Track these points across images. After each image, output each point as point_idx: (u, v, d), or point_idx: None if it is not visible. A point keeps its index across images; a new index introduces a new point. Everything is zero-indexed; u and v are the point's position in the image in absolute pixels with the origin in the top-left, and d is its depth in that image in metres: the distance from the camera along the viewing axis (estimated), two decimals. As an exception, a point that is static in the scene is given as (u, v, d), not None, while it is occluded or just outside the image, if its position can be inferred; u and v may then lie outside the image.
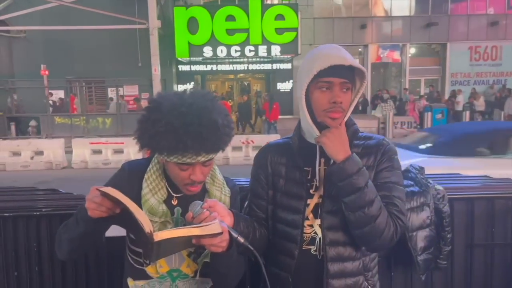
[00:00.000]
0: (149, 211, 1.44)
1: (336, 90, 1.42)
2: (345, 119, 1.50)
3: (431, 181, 2.03)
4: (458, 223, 2.19)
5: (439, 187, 2.02)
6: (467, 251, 2.23)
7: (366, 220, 1.37)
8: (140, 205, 1.41)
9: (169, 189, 1.50)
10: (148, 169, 1.50)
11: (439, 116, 16.44)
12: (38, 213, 2.14)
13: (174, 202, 1.50)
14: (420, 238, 1.92)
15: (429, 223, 1.94)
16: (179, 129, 1.31)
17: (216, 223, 1.26)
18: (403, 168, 2.06)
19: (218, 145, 1.37)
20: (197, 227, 1.26)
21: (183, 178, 1.41)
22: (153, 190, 1.46)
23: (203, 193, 1.53)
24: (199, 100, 1.38)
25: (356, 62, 1.44)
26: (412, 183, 2.06)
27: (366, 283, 1.52)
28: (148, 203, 1.45)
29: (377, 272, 1.60)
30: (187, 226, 1.29)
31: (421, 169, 2.11)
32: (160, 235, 1.20)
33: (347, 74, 1.44)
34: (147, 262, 1.47)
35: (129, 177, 1.51)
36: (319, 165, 1.51)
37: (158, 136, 1.33)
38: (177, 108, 1.34)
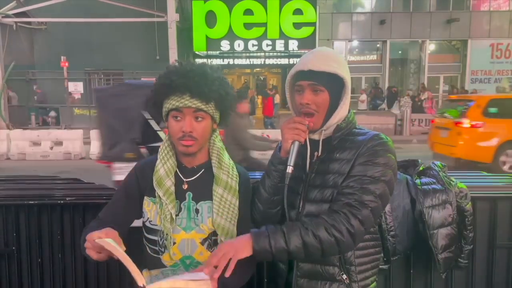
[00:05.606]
0: (157, 182, 1.51)
1: (305, 93, 1.50)
2: (336, 119, 1.52)
3: (453, 179, 2.01)
4: (481, 222, 2.16)
5: (462, 185, 1.99)
6: (489, 252, 2.21)
7: (312, 255, 1.39)
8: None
9: (179, 174, 1.55)
10: (161, 145, 1.59)
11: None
12: (62, 202, 2.19)
13: (185, 187, 1.54)
14: (441, 236, 1.90)
15: (451, 221, 1.91)
16: (171, 73, 1.46)
17: (206, 281, 1.27)
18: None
19: (203, 90, 1.43)
20: (184, 280, 1.28)
21: (177, 131, 1.47)
22: (163, 160, 1.54)
23: (211, 178, 1.55)
24: (204, 66, 1.51)
25: (319, 66, 1.46)
26: (434, 180, 2.03)
27: (346, 276, 1.49)
28: (158, 174, 1.52)
29: (368, 270, 1.55)
30: (176, 278, 1.31)
31: (444, 166, 2.08)
32: (152, 287, 1.24)
33: (320, 77, 1.47)
34: (162, 249, 1.51)
35: (141, 169, 1.60)
36: (311, 157, 1.57)
37: (157, 86, 1.48)
38: (181, 67, 1.49)
